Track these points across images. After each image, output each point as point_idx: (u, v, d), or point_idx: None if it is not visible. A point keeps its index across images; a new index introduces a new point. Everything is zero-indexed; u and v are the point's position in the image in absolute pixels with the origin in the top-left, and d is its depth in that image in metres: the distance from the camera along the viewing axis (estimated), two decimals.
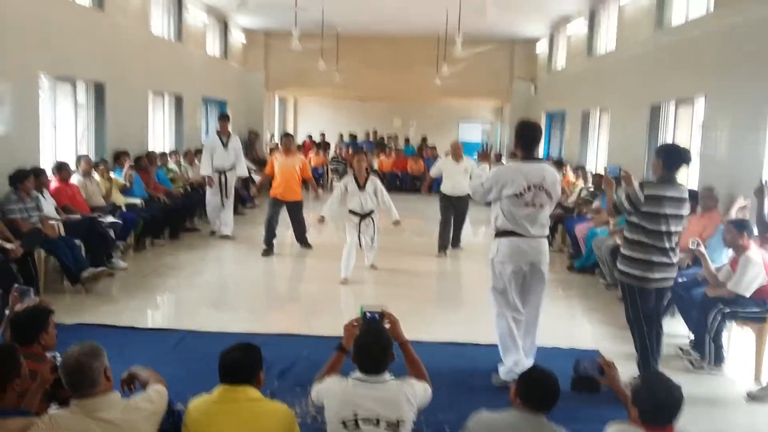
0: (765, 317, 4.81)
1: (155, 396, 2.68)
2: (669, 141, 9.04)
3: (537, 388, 2.69)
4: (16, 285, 4.55)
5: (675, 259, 4.36)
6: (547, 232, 4.48)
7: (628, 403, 2.75)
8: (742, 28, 7.07)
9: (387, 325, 3.26)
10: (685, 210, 4.33)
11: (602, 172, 4.29)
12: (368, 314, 3.41)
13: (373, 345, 2.86)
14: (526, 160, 4.39)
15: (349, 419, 2.69)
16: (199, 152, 11.76)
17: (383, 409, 2.71)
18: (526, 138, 4.41)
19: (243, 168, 9.81)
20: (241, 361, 2.70)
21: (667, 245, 4.26)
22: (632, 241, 4.37)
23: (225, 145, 9.42)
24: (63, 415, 2.48)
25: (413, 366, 3.21)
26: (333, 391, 2.83)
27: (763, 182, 5.45)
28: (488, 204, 4.67)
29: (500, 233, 4.41)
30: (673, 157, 4.30)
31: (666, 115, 9.30)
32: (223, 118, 9.81)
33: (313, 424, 3.75)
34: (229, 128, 9.67)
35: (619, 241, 6.96)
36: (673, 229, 4.26)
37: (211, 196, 9.57)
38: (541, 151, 16.18)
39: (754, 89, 6.68)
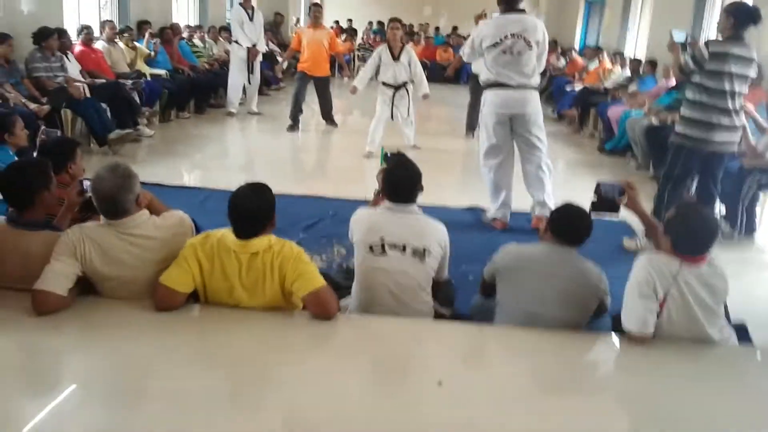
0: None
1: (183, 217, 2.66)
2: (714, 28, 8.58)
3: (568, 221, 2.65)
4: (43, 127, 4.56)
5: (738, 122, 4.19)
6: (533, 82, 4.65)
7: (651, 229, 2.76)
8: None
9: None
10: (752, 72, 4.11)
11: (669, 42, 4.13)
12: (388, 154, 3.46)
13: (402, 174, 2.81)
14: (506, 12, 4.58)
15: (376, 244, 2.67)
16: (223, 29, 11.53)
17: (410, 236, 2.68)
18: None
19: (262, 43, 9.45)
20: (258, 209, 2.42)
21: (730, 106, 4.07)
22: (693, 101, 4.19)
23: (251, 18, 9.09)
24: (93, 227, 2.48)
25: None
26: (362, 219, 2.81)
27: None
28: None
29: (486, 86, 4.71)
30: (741, 14, 4.05)
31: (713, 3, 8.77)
32: None
33: (339, 270, 3.79)
34: (253, 2, 9.31)
35: (655, 121, 6.78)
36: (737, 89, 4.06)
37: (237, 72, 9.13)
38: (577, 37, 15.50)
39: None
